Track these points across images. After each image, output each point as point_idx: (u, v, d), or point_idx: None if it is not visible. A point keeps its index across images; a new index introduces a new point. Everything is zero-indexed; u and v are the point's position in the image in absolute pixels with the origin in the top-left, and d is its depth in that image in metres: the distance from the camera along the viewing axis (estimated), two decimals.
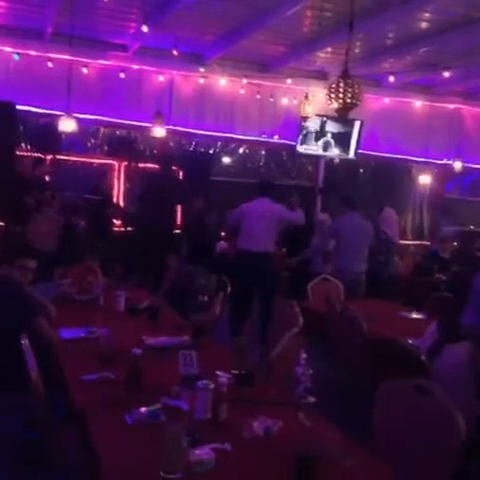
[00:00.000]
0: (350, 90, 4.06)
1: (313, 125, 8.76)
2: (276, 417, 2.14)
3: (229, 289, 4.46)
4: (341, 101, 4.05)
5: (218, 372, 2.52)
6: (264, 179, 6.76)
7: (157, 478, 1.62)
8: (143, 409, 2.05)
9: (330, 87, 4.19)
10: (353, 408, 3.17)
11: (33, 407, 2.35)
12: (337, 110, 4.21)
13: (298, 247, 7.17)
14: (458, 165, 8.05)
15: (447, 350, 3.01)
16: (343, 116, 4.29)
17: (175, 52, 6.88)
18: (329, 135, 8.95)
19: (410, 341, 3.52)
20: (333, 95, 4.09)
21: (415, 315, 4.60)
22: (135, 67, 8.31)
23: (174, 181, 7.63)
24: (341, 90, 4.06)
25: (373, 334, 3.53)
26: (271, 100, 8.71)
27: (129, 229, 7.28)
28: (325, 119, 8.63)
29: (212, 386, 2.11)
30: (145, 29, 6.34)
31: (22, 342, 2.49)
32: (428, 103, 9.55)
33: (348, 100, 4.04)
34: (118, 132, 8.72)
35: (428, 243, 8.38)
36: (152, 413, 2.04)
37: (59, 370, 2.59)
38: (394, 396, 2.25)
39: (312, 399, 2.44)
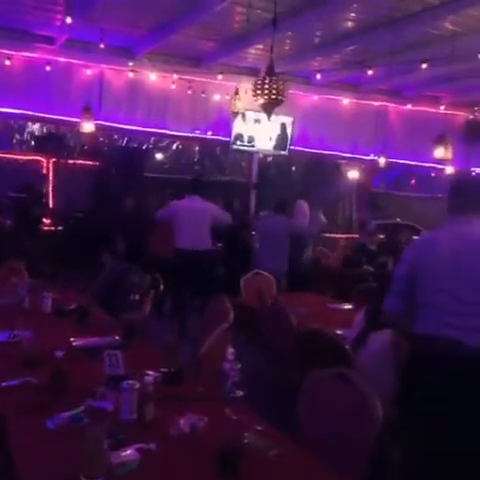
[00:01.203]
0: (275, 86, 4.14)
1: (245, 121, 8.83)
2: (203, 413, 2.15)
3: (162, 287, 4.43)
4: (266, 97, 4.12)
5: (147, 371, 2.52)
6: (195, 177, 6.79)
7: None
8: (65, 413, 2.00)
9: (256, 83, 4.26)
10: (284, 401, 3.24)
11: None
12: (262, 106, 4.28)
13: (236, 243, 7.22)
14: (382, 161, 8.38)
15: (372, 338, 3.14)
16: (269, 112, 4.35)
17: (102, 45, 6.72)
18: (261, 131, 9.06)
19: (339, 332, 3.64)
20: (259, 91, 4.16)
21: (344, 306, 4.74)
22: (62, 60, 8.05)
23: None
24: (266, 86, 4.13)
25: (302, 327, 3.62)
26: (203, 96, 8.70)
27: (59, 228, 7.06)
28: (258, 116, 8.72)
29: (137, 386, 2.10)
30: (69, 20, 6.15)
31: None
32: (355, 100, 9.85)
33: (273, 96, 4.12)
34: (46, 127, 8.45)
35: (357, 236, 8.66)
36: (74, 417, 2.00)
37: None
38: (316, 385, 2.32)
39: (240, 393, 2.47)
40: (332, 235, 9.56)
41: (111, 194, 8.03)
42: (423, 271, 2.50)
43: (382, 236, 8.37)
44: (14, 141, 8.29)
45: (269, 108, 4.26)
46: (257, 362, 4.31)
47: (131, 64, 8.15)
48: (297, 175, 10.31)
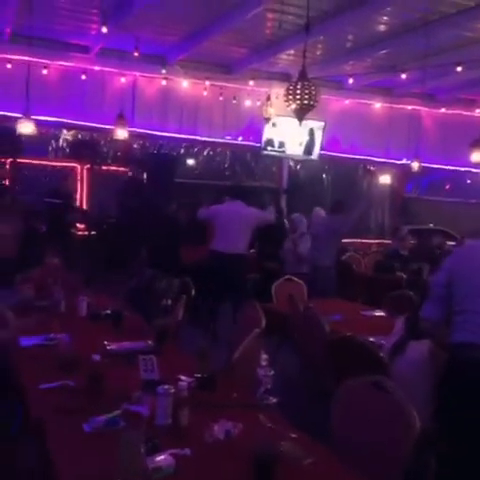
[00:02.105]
0: (307, 92, 4.13)
1: (277, 127, 8.84)
2: (237, 420, 2.15)
3: (193, 292, 4.46)
4: (298, 102, 4.11)
5: (180, 376, 2.54)
6: (235, 183, 6.85)
7: None
8: (101, 417, 2.03)
9: (288, 89, 4.26)
10: (316, 408, 3.21)
11: None
12: (295, 111, 4.28)
13: (270, 248, 7.20)
14: (415, 165, 8.26)
15: (410, 346, 3.09)
16: (301, 117, 4.35)
17: (136, 53, 6.84)
18: (292, 137, 9.05)
19: (372, 339, 3.60)
20: (291, 96, 4.16)
21: (376, 313, 4.68)
22: (97, 68, 8.23)
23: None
24: (298, 92, 4.12)
25: (335, 333, 3.59)
26: (234, 102, 8.75)
27: (92, 233, 7.18)
28: (290, 121, 8.70)
29: (172, 391, 2.11)
30: (104, 30, 6.28)
31: None
32: (387, 105, 9.76)
33: (305, 101, 4.11)
34: (80, 135, 8.61)
35: (389, 241, 8.55)
36: (110, 420, 2.02)
37: (17, 379, 2.55)
38: (350, 393, 2.29)
39: (273, 400, 2.45)
40: (364, 240, 9.47)
41: (143, 199, 8.14)
42: (462, 277, 2.47)
43: (414, 241, 8.24)
44: (49, 148, 8.46)
45: (301, 113, 4.26)
46: (289, 368, 4.30)
47: (164, 72, 8.26)
48: (328, 180, 10.24)
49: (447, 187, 11.07)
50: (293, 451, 1.96)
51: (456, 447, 2.45)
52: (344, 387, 2.36)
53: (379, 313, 4.69)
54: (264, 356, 2.50)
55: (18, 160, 7.93)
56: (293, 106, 4.18)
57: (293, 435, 2.10)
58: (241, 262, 5.51)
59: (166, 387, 2.11)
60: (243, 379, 2.65)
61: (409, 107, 9.90)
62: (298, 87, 4.14)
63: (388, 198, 10.54)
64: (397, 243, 7.72)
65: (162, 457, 1.80)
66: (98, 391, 2.23)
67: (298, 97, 4.10)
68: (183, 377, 2.53)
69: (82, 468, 1.77)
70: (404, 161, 9.85)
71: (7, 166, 7.70)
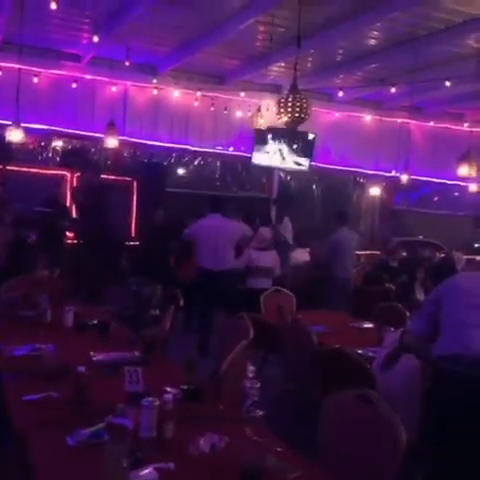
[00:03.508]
0: (298, 104, 4.16)
1: (267, 138, 8.88)
2: (223, 433, 2.13)
3: (182, 303, 4.44)
4: (290, 115, 4.14)
5: (167, 388, 2.51)
6: (214, 195, 6.88)
7: None
8: (85, 430, 2.01)
9: (280, 101, 4.28)
10: (304, 420, 3.20)
11: None
12: (286, 123, 4.31)
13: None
14: (405, 178, 8.32)
15: (401, 360, 3.09)
16: (292, 129, 4.39)
17: (127, 63, 6.86)
18: (283, 148, 9.09)
19: (360, 351, 3.60)
20: (282, 109, 4.18)
21: (364, 325, 4.68)
22: (88, 77, 8.22)
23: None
24: (290, 104, 4.15)
25: (323, 345, 3.59)
26: (225, 112, 8.79)
27: (81, 242, 7.13)
28: (281, 132, 8.75)
29: (157, 403, 2.09)
30: (96, 39, 6.29)
31: None
32: (377, 117, 9.85)
33: (296, 114, 4.13)
34: (71, 143, 8.59)
35: (378, 253, 8.58)
36: (94, 433, 2.00)
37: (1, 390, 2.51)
38: (336, 406, 2.29)
39: (260, 413, 2.45)
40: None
41: (133, 208, 8.13)
42: (449, 305, 2.54)
43: (404, 253, 8.28)
44: (40, 156, 8.42)
45: (293, 126, 4.29)
46: (277, 380, 4.29)
47: (155, 81, 8.28)
48: (318, 191, 10.29)
49: (435, 199, 11.16)
50: (278, 465, 1.95)
51: (442, 461, 2.45)
52: (330, 400, 2.36)
53: (367, 325, 4.69)
54: (251, 368, 2.49)
55: (8, 168, 7.88)
56: (284, 119, 4.21)
57: (279, 449, 2.09)
58: (230, 277, 5.52)
59: (150, 400, 2.09)
60: (230, 391, 2.64)
61: (398, 120, 10.00)
62: (289, 100, 4.17)
63: (377, 210, 10.60)
64: (387, 255, 7.76)
65: (145, 471, 1.78)
66: (82, 403, 2.20)
67: (289, 110, 4.13)
68: (169, 389, 2.51)
69: None
70: (393, 173, 9.93)
71: None
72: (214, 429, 2.16)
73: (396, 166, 9.94)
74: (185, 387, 2.53)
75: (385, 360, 2.94)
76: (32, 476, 1.79)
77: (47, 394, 2.38)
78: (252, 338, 3.31)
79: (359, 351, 3.65)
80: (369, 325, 4.66)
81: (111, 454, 1.64)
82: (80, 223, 6.51)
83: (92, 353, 3.08)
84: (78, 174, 8.37)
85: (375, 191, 10.37)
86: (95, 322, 3.66)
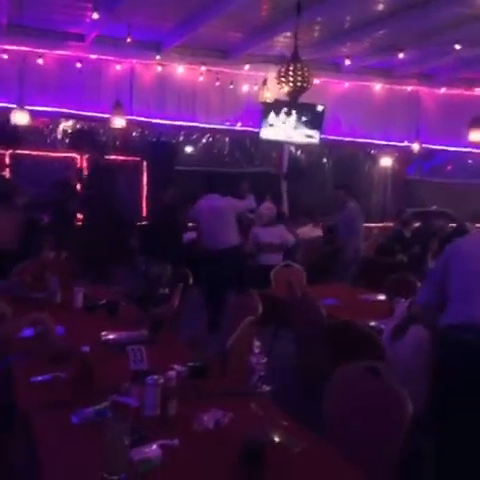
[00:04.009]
0: (300, 73, 4.07)
1: (275, 111, 8.75)
2: (228, 409, 2.14)
3: (191, 281, 4.45)
4: (291, 85, 4.06)
5: (174, 366, 2.52)
6: (208, 173, 6.87)
7: (100, 479, 1.61)
8: (90, 408, 2.02)
9: (280, 71, 4.19)
10: (313, 395, 3.21)
11: None
12: (288, 93, 4.22)
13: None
14: (416, 147, 8.17)
15: (411, 330, 3.06)
16: (294, 99, 4.30)
17: (129, 39, 6.76)
18: (292, 121, 8.96)
19: (372, 323, 3.58)
20: (283, 79, 4.10)
21: (376, 297, 4.65)
22: (93, 57, 8.14)
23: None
24: (291, 74, 4.06)
25: (332, 318, 3.57)
26: (231, 87, 8.67)
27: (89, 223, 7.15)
28: (288, 105, 8.61)
29: (161, 381, 2.10)
30: (96, 16, 6.21)
31: None
32: (387, 86, 9.63)
33: (298, 83, 4.05)
34: (79, 124, 8.56)
35: (391, 224, 8.48)
36: (98, 411, 2.01)
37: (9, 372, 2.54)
38: (343, 379, 2.28)
39: (267, 388, 2.45)
40: (365, 224, 9.40)
41: (144, 188, 8.12)
42: (456, 267, 2.48)
43: (418, 224, 8.18)
44: (48, 140, 8.40)
45: (295, 95, 4.21)
46: (287, 354, 4.30)
47: (158, 57, 8.17)
48: (329, 164, 10.15)
49: (449, 168, 10.95)
50: (282, 439, 1.95)
51: (452, 432, 2.43)
52: (337, 373, 2.35)
53: (379, 297, 4.66)
54: (257, 344, 2.48)
55: (17, 151, 7.90)
56: (286, 89, 4.13)
57: (284, 423, 2.09)
58: (234, 254, 5.53)
59: (155, 377, 2.10)
60: (236, 367, 2.64)
61: (409, 88, 9.77)
62: (291, 69, 4.07)
63: (390, 181, 10.45)
64: (400, 226, 7.68)
65: (149, 448, 1.80)
66: (87, 382, 2.22)
67: (291, 79, 4.05)
68: (176, 366, 2.52)
69: (67, 460, 1.76)
70: (405, 143, 9.75)
71: (6, 158, 7.68)
72: (219, 405, 2.16)
73: (408, 136, 9.76)
74: (191, 364, 2.53)
75: (393, 331, 2.91)
76: (37, 456, 1.81)
77: (55, 375, 2.41)
78: (260, 314, 3.31)
79: (371, 323, 3.63)
80: (381, 297, 4.63)
81: (112, 432, 1.64)
82: (87, 204, 6.52)
83: (102, 333, 3.11)
84: (87, 156, 8.38)
85: (387, 162, 10.21)
86: (104, 302, 3.68)
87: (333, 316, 3.68)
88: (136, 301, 3.88)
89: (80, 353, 2.30)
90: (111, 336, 3.08)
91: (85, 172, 7.36)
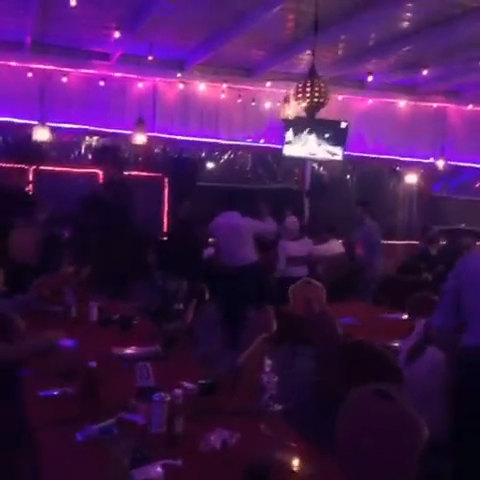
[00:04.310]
0: (317, 89, 4.05)
1: (297, 128, 8.73)
2: (238, 428, 2.07)
3: (207, 297, 4.40)
4: (308, 100, 4.04)
5: (184, 383, 2.47)
6: (228, 190, 6.87)
7: None
8: (95, 425, 1.98)
9: (297, 87, 4.18)
10: (328, 414, 3.11)
11: None
12: (305, 109, 4.20)
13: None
14: (441, 163, 8.03)
15: (428, 351, 2.96)
16: (312, 115, 4.27)
17: (150, 57, 6.84)
18: (315, 138, 8.92)
19: (396, 344, 3.47)
20: (300, 95, 4.09)
21: (398, 316, 4.53)
22: (117, 75, 8.28)
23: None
24: (308, 89, 4.05)
25: (349, 337, 3.48)
26: (253, 104, 8.69)
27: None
28: (310, 121, 8.58)
29: (168, 398, 2.04)
30: (117, 35, 6.31)
31: None
32: (412, 103, 9.54)
33: (315, 99, 4.03)
34: (102, 141, 8.67)
35: (417, 242, 8.32)
36: (104, 429, 1.97)
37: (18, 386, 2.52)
38: (356, 402, 2.19)
39: (278, 407, 2.37)
40: (389, 242, 9.25)
41: (165, 203, 8.15)
42: (470, 285, 2.38)
43: (444, 242, 8.01)
44: (72, 156, 8.53)
45: (312, 111, 4.18)
46: (306, 371, 4.20)
47: (179, 75, 8.25)
48: (353, 181, 10.04)
49: (477, 186, 10.72)
50: (291, 462, 1.87)
51: (470, 454, 2.31)
52: (350, 394, 2.26)
53: (401, 316, 4.54)
54: (268, 362, 2.42)
55: (41, 167, 8.03)
56: (303, 104, 4.11)
57: (293, 444, 2.01)
58: (253, 271, 5.50)
59: (162, 394, 2.05)
60: (247, 385, 2.57)
61: (434, 105, 9.65)
62: (308, 85, 4.06)
63: (415, 198, 10.28)
64: (426, 244, 7.52)
65: (152, 468, 1.74)
66: (93, 398, 2.18)
67: (308, 95, 4.03)
68: (186, 383, 2.47)
69: (69, 477, 1.71)
70: (431, 160, 9.61)
71: (30, 174, 7.81)
72: (228, 424, 2.10)
73: (433, 152, 9.63)
74: (202, 381, 2.48)
75: (410, 352, 2.81)
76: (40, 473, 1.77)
77: (63, 390, 2.38)
78: (275, 331, 3.24)
79: (393, 343, 3.53)
80: (403, 316, 4.51)
81: (113, 451, 1.60)
82: (105, 220, 6.57)
83: (114, 348, 3.08)
84: (106, 171, 8.47)
85: (412, 179, 10.06)
86: (118, 317, 3.66)
87: (350, 335, 3.59)
88: (151, 316, 3.85)
89: (87, 368, 2.26)
90: (122, 351, 3.05)
91: (104, 188, 7.42)
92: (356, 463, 2.01)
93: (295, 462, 1.86)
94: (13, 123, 7.65)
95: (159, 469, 1.73)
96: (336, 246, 8.02)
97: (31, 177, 7.75)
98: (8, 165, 7.68)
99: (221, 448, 1.94)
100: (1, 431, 2.33)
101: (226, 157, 9.37)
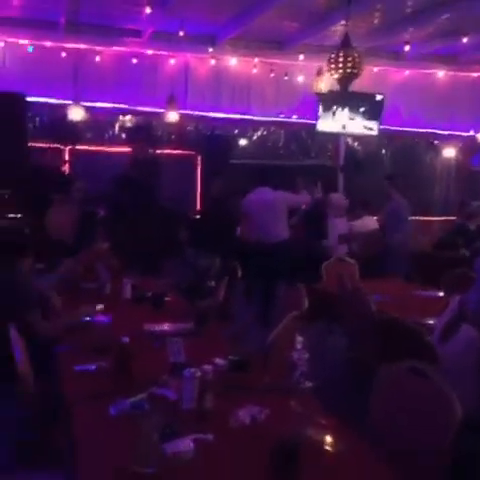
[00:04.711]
0: (350, 59, 3.93)
1: (331, 102, 8.54)
2: (267, 404, 2.08)
3: (240, 274, 4.41)
4: (341, 71, 3.93)
5: (216, 359, 2.50)
6: (259, 166, 6.78)
7: (131, 471, 1.59)
8: (127, 400, 2.02)
9: (329, 58, 4.07)
10: (362, 388, 3.10)
11: (25, 401, 2.37)
12: (338, 80, 4.10)
13: (320, 229, 7.07)
14: None
15: (463, 328, 2.90)
16: (345, 86, 4.16)
17: (181, 33, 6.78)
18: (349, 112, 8.72)
19: (431, 321, 3.42)
20: (333, 66, 3.98)
21: (432, 293, 4.45)
22: (149, 52, 8.25)
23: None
24: (341, 60, 3.94)
25: (382, 314, 3.43)
26: (286, 78, 8.54)
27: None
28: (344, 95, 8.38)
29: (198, 374, 2.07)
30: (148, 10, 6.26)
31: (11, 334, 2.50)
32: (451, 73, 9.19)
33: (348, 70, 3.92)
34: (135, 119, 8.69)
35: (454, 218, 8.10)
36: (135, 403, 2.01)
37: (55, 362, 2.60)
38: (389, 379, 2.17)
39: (308, 384, 2.37)
40: (425, 218, 9.05)
41: (198, 181, 8.16)
42: None
43: None
44: (106, 135, 8.59)
45: (345, 82, 4.07)
46: (339, 347, 4.18)
47: (211, 50, 8.15)
48: (387, 156, 9.81)
49: None
50: (321, 439, 1.88)
51: None
52: (383, 372, 2.24)
53: (435, 293, 4.45)
54: (299, 339, 2.41)
55: (76, 147, 8.13)
56: (336, 75, 4.01)
57: (323, 421, 2.01)
58: (286, 248, 5.47)
59: (192, 370, 2.07)
60: (278, 362, 2.58)
61: (475, 74, 9.28)
62: (341, 55, 3.94)
63: (453, 172, 9.97)
64: (464, 220, 7.32)
65: (182, 442, 1.77)
66: (125, 373, 2.22)
67: (341, 66, 3.92)
68: (217, 360, 2.49)
69: (102, 451, 1.76)
70: (471, 133, 9.28)
71: (66, 154, 7.92)
72: (258, 401, 2.11)
73: (474, 125, 9.29)
74: (232, 358, 2.50)
75: (444, 329, 2.76)
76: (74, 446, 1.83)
77: (98, 364, 2.43)
78: (306, 309, 3.23)
79: (428, 321, 3.48)
80: (437, 293, 4.42)
81: (144, 426, 1.63)
82: (136, 198, 6.63)
83: (146, 325, 3.12)
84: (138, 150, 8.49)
85: (450, 153, 9.75)
86: (151, 294, 3.70)
87: (383, 312, 3.55)
88: (184, 293, 3.89)
89: (119, 344, 2.30)
90: (156, 328, 3.09)
91: (133, 166, 7.47)
92: (389, 441, 2.00)
93: (325, 439, 1.86)
94: (48, 103, 7.73)
95: (190, 443, 1.76)
96: (370, 222, 7.89)
97: (67, 157, 7.85)
98: (44, 145, 7.77)
99: (250, 424, 1.96)
100: (39, 406, 2.41)
101: (259, 134, 9.27)
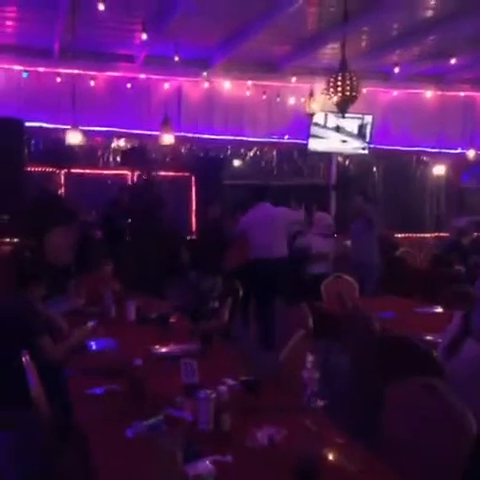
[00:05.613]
0: (348, 83, 4.02)
1: (323, 122, 8.69)
2: (282, 424, 2.10)
3: (241, 294, 4.43)
4: (340, 94, 4.01)
5: (226, 379, 2.50)
6: (258, 185, 6.85)
7: None
8: (144, 422, 2.03)
9: (329, 81, 4.16)
10: (367, 411, 3.11)
11: (36, 425, 2.36)
12: (337, 104, 4.17)
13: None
14: (471, 153, 7.89)
15: (467, 345, 2.92)
16: (344, 109, 4.23)
17: (176, 58, 6.89)
18: (340, 132, 8.87)
19: (429, 337, 3.45)
20: (332, 89, 4.06)
21: (432, 310, 4.49)
22: (142, 76, 8.36)
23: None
24: (339, 83, 4.02)
25: (386, 332, 3.46)
26: (278, 100, 8.68)
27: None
28: (336, 115, 8.53)
29: (214, 395, 2.08)
30: (144, 36, 6.37)
31: (23, 360, 2.50)
32: (439, 93, 9.41)
33: (347, 93, 4.00)
34: (130, 142, 8.76)
35: (447, 235, 8.21)
36: (153, 425, 2.02)
37: (65, 386, 2.60)
38: (401, 396, 2.19)
39: (321, 403, 2.39)
40: (418, 234, 9.16)
41: (193, 202, 8.20)
42: None
43: (476, 234, 7.89)
44: (101, 159, 8.64)
45: (344, 105, 4.15)
46: (340, 370, 4.20)
47: (205, 74, 8.28)
48: (379, 174, 9.95)
49: None
50: (339, 457, 1.89)
51: None
52: (394, 389, 2.26)
53: (435, 310, 4.50)
54: (310, 358, 2.43)
55: (72, 170, 8.16)
56: (335, 98, 4.09)
57: (340, 440, 2.03)
58: (287, 264, 5.50)
59: (207, 392, 2.09)
60: (289, 382, 2.59)
61: (462, 94, 9.50)
62: (339, 79, 4.03)
63: (443, 189, 10.13)
64: (456, 236, 7.43)
65: (202, 464, 1.78)
66: (140, 395, 2.23)
67: (339, 89, 4.00)
68: (229, 380, 2.50)
69: (122, 474, 1.76)
70: (459, 150, 9.46)
71: (61, 177, 7.95)
72: (272, 421, 2.13)
73: (462, 142, 9.47)
74: (244, 378, 2.51)
75: (448, 346, 2.79)
76: (93, 468, 1.83)
77: (108, 388, 2.44)
78: (311, 328, 3.26)
79: (428, 337, 3.50)
80: (437, 310, 4.47)
81: (164, 447, 1.64)
82: (137, 220, 6.66)
83: (155, 346, 3.13)
84: (138, 173, 8.56)
85: (440, 170, 9.92)
86: (156, 316, 3.71)
87: (386, 329, 3.57)
88: (187, 313, 3.90)
89: (133, 367, 2.31)
90: (163, 349, 3.10)
91: (134, 188, 7.52)
92: (404, 458, 2.01)
93: (342, 457, 1.88)
94: (43, 128, 7.79)
95: (211, 464, 1.77)
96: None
97: (62, 180, 7.88)
98: (40, 169, 7.81)
99: (268, 444, 1.97)
100: (48, 428, 2.40)
101: (252, 154, 9.37)
